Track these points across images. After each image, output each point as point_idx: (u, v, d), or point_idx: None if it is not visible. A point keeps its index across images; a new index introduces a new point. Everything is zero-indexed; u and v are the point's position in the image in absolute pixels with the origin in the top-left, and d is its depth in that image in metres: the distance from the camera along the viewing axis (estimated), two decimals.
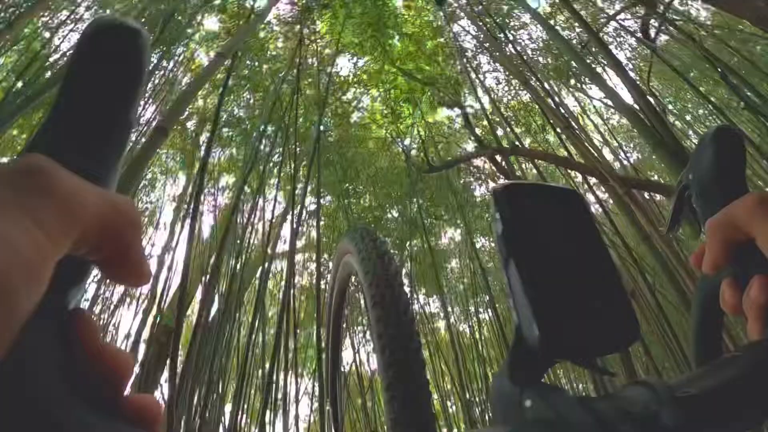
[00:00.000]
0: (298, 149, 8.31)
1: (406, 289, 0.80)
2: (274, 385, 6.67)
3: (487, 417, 7.93)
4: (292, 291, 7.12)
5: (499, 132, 8.51)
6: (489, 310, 9.16)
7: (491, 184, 9.43)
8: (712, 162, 0.49)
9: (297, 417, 8.56)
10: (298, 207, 7.55)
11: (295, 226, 7.19)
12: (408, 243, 9.18)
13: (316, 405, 7.77)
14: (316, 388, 6.45)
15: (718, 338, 0.50)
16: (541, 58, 8.65)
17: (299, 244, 9.23)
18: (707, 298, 0.48)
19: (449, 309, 9.47)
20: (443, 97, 8.87)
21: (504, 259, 0.35)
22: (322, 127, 8.28)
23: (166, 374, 6.74)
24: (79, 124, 0.30)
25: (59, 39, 7.04)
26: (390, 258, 0.81)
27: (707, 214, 0.46)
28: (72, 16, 6.99)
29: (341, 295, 1.08)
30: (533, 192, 0.39)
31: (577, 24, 7.49)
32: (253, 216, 7.96)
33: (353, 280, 1.01)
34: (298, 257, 9.84)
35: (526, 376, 0.34)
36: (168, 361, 5.64)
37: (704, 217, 0.47)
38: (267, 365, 6.56)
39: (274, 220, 8.37)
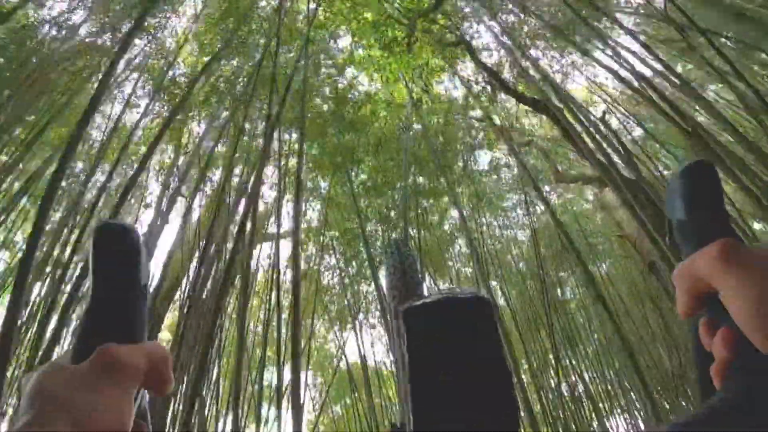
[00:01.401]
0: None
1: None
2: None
3: None
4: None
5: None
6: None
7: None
8: (682, 205, 0.48)
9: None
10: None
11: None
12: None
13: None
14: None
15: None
16: None
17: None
18: (697, 337, 0.47)
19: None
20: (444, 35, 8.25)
21: (400, 367, 0.43)
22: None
23: None
24: (113, 312, 0.45)
25: None
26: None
27: (683, 254, 0.47)
28: None
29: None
30: (438, 311, 0.43)
31: None
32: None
33: None
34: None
35: None
36: None
37: (683, 257, 0.47)
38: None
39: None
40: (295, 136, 8.22)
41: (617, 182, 5.84)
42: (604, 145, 6.36)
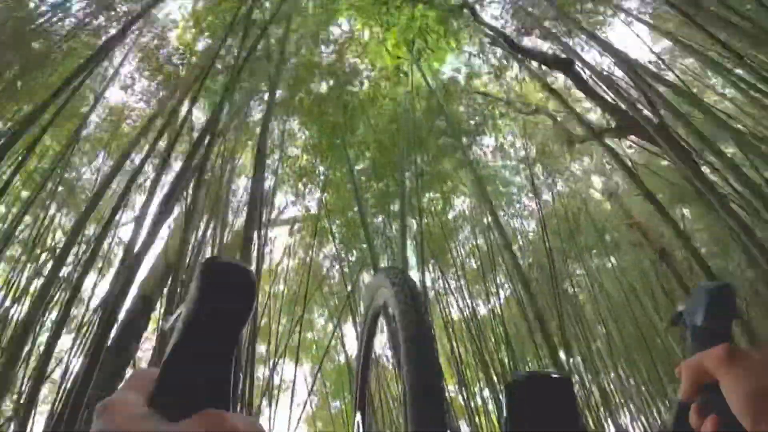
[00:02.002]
0: None
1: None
2: None
3: None
4: None
5: None
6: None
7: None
8: (702, 314, 0.57)
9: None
10: None
11: None
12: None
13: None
14: None
15: None
16: None
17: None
18: (681, 412, 0.56)
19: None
20: None
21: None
22: None
23: None
24: (213, 367, 0.38)
25: None
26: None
27: (690, 348, 0.57)
28: None
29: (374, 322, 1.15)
30: (534, 384, 0.53)
31: None
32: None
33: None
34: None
35: None
36: None
37: (688, 350, 0.57)
38: None
39: None
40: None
41: (642, 126, 5.74)
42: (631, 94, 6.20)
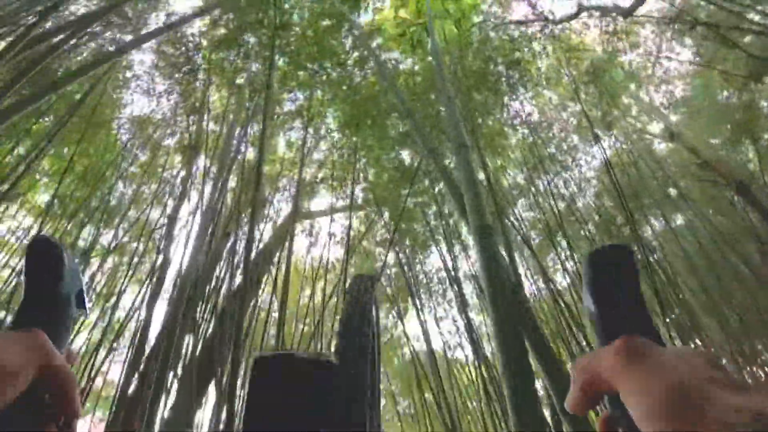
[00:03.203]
0: None
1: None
2: None
3: None
4: None
5: None
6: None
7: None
8: (589, 297, 0.47)
9: None
10: None
11: None
12: None
13: None
14: None
15: None
16: None
17: None
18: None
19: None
20: None
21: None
22: None
23: None
24: (42, 310, 0.49)
25: None
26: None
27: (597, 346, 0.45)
28: None
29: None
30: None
31: None
32: None
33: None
34: None
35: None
36: None
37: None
38: None
39: None
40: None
41: None
42: None
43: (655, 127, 9.55)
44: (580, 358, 0.44)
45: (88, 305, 0.56)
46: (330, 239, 7.51)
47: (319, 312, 6.97)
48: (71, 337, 0.54)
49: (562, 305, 6.39)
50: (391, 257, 8.17)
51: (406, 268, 7.91)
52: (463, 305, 7.24)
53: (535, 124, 8.35)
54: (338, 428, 0.50)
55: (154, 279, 6.50)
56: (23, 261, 0.50)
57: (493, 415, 6.61)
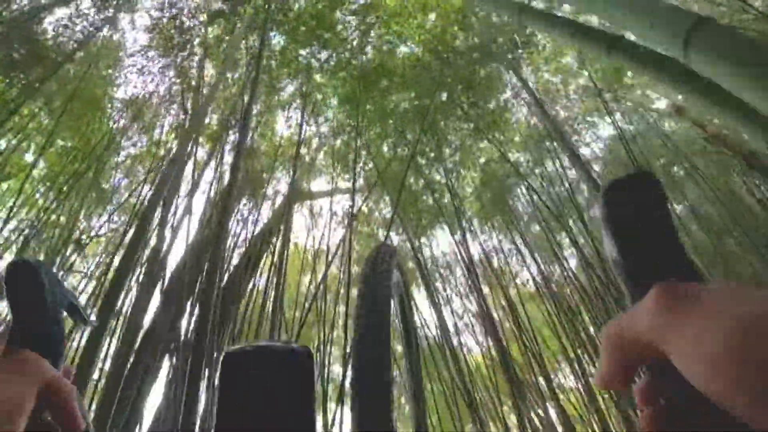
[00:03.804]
0: None
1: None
2: None
3: None
4: None
5: None
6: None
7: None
8: (610, 240, 0.39)
9: None
10: None
11: None
12: None
13: None
14: None
15: None
16: None
17: None
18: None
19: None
20: None
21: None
22: None
23: None
24: (31, 332, 0.49)
25: None
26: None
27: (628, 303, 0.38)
28: None
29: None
30: (254, 359, 0.43)
31: None
32: None
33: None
34: None
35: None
36: None
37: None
38: None
39: None
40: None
41: None
42: None
43: (661, 103, 9.38)
44: (609, 323, 0.36)
45: (89, 315, 0.57)
46: (331, 221, 7.26)
47: (321, 297, 6.69)
48: (65, 352, 0.53)
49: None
50: (396, 239, 7.92)
51: (412, 250, 7.65)
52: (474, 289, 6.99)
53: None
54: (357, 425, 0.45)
55: (148, 263, 6.22)
56: (5, 285, 0.50)
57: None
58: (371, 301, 0.78)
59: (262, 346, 0.44)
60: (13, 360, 0.45)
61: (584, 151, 8.33)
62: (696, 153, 8.10)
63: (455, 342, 7.60)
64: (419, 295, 7.56)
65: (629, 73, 8.14)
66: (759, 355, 0.27)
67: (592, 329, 6.23)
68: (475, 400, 6.04)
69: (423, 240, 7.98)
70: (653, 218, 0.38)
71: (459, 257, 7.46)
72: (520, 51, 7.39)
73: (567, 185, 7.34)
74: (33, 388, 0.43)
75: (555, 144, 7.57)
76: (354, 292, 5.84)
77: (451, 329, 7.06)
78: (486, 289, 7.63)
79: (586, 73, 7.85)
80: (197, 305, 6.00)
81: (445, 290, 8.13)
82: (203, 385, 5.02)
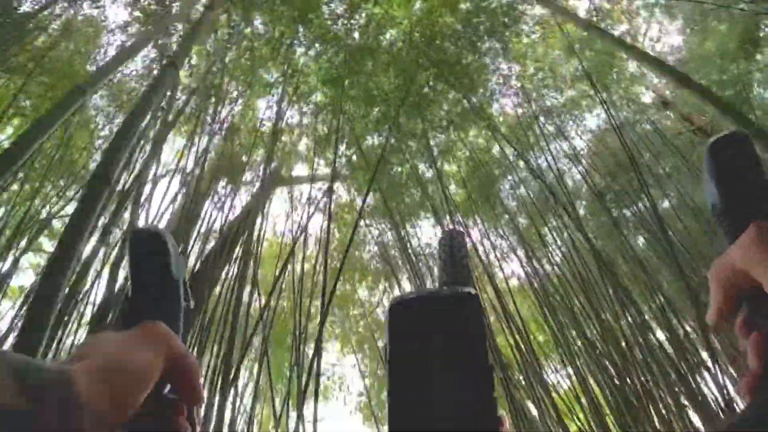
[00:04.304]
0: None
1: None
2: None
3: None
4: None
5: None
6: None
7: None
8: (713, 188, 0.44)
9: None
10: None
11: None
12: None
13: None
14: None
15: None
16: None
17: None
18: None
19: None
20: None
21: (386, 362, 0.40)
22: None
23: None
24: (155, 303, 0.48)
25: None
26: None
27: (725, 246, 0.42)
28: None
29: None
30: (423, 306, 0.41)
31: None
32: None
33: None
34: None
35: None
36: None
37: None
38: None
39: None
40: None
41: None
42: None
43: (647, 97, 9.29)
44: (714, 262, 0.41)
45: (189, 296, 0.54)
46: (311, 208, 7.04)
47: (298, 286, 6.48)
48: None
49: None
50: (378, 228, 7.72)
51: (393, 240, 7.46)
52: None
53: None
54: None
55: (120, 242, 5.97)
56: (128, 254, 0.48)
57: None
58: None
59: (432, 291, 0.44)
60: (146, 331, 0.45)
61: (572, 141, 8.19)
62: (684, 144, 7.98)
63: None
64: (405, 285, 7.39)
65: (617, 64, 8.05)
66: None
67: (582, 321, 6.10)
68: None
69: (409, 229, 7.76)
70: (751, 172, 0.42)
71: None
72: (507, 35, 7.23)
73: (554, 175, 7.21)
74: (160, 360, 0.43)
75: (542, 133, 7.44)
76: (331, 283, 5.67)
77: None
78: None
79: (576, 61, 7.70)
80: None
81: (433, 282, 7.94)
82: None
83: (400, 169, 7.24)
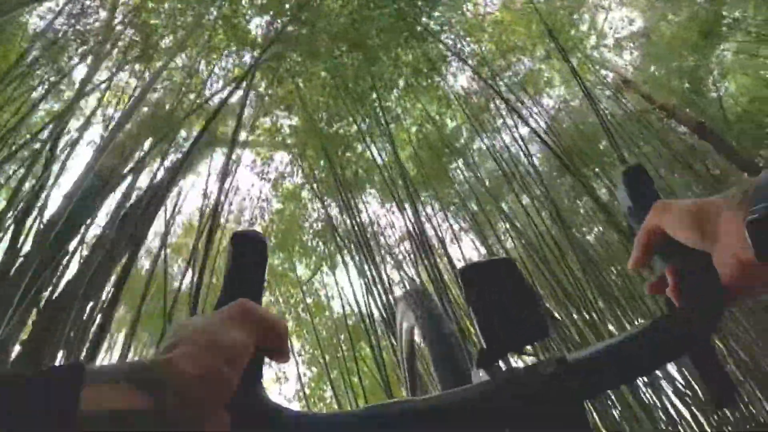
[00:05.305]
0: None
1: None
2: None
3: None
4: None
5: None
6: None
7: None
8: (629, 195, 0.61)
9: None
10: None
11: None
12: None
13: None
14: None
15: None
16: None
17: None
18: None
19: None
20: None
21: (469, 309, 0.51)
22: None
23: None
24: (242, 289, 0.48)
25: None
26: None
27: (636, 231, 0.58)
28: None
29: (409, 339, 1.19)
30: (485, 268, 0.53)
31: None
32: None
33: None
34: None
35: (484, 363, 0.49)
36: None
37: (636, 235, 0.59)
38: None
39: None
40: None
41: None
42: None
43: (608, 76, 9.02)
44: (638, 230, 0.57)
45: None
46: (251, 173, 6.38)
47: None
48: None
49: None
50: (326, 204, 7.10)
51: (341, 215, 6.85)
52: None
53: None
54: None
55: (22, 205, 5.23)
56: (230, 252, 0.49)
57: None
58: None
59: (492, 259, 0.55)
60: (229, 307, 0.44)
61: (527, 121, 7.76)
62: (643, 123, 7.70)
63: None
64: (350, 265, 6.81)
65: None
66: (692, 207, 0.50)
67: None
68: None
69: (359, 204, 7.16)
70: (648, 184, 0.60)
71: (395, 225, 6.82)
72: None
73: (509, 155, 6.82)
74: (252, 334, 0.43)
75: (497, 109, 7.03)
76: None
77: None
78: (424, 261, 6.97)
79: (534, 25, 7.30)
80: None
81: (382, 260, 7.38)
82: None
83: (348, 135, 6.66)
